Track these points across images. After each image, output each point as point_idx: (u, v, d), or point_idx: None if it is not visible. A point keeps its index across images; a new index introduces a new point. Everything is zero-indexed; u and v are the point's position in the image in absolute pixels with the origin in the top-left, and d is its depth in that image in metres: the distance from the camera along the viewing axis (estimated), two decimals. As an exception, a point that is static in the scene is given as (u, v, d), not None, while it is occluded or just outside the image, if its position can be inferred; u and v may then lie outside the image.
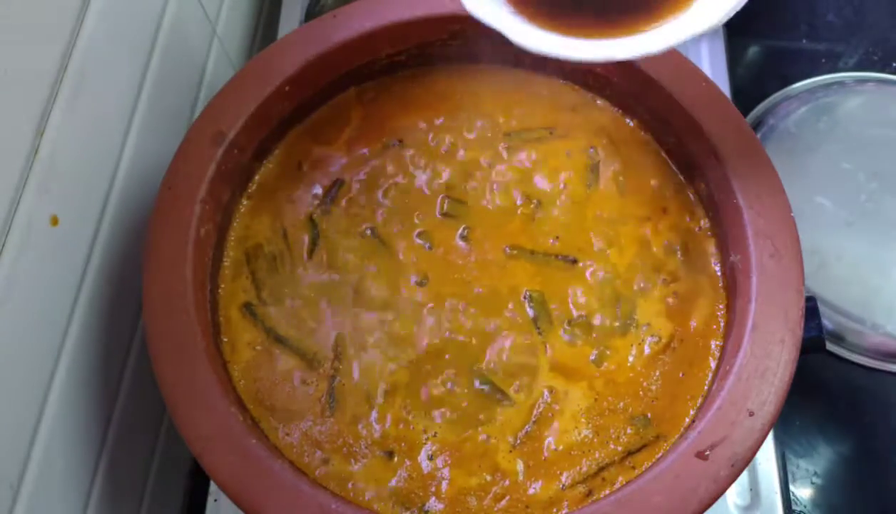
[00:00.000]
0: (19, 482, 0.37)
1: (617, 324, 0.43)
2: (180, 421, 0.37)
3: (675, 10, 0.36)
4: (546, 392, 0.41)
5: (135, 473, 0.49)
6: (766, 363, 0.38)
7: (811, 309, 0.43)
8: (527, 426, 0.40)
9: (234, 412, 0.37)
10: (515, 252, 0.44)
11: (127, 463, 0.47)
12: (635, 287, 0.44)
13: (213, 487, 0.49)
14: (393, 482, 0.39)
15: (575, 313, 0.43)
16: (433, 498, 0.39)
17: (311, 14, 0.62)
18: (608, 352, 0.42)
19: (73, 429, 0.42)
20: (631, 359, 0.42)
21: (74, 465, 0.42)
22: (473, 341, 0.42)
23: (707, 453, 0.36)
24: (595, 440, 0.40)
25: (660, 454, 0.39)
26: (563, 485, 0.39)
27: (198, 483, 0.55)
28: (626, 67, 0.45)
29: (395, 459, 0.40)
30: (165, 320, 0.39)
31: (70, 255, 0.41)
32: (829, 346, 0.57)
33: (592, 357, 0.42)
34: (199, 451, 0.36)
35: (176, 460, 0.54)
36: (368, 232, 0.45)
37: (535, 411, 0.41)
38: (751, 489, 0.49)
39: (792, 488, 0.54)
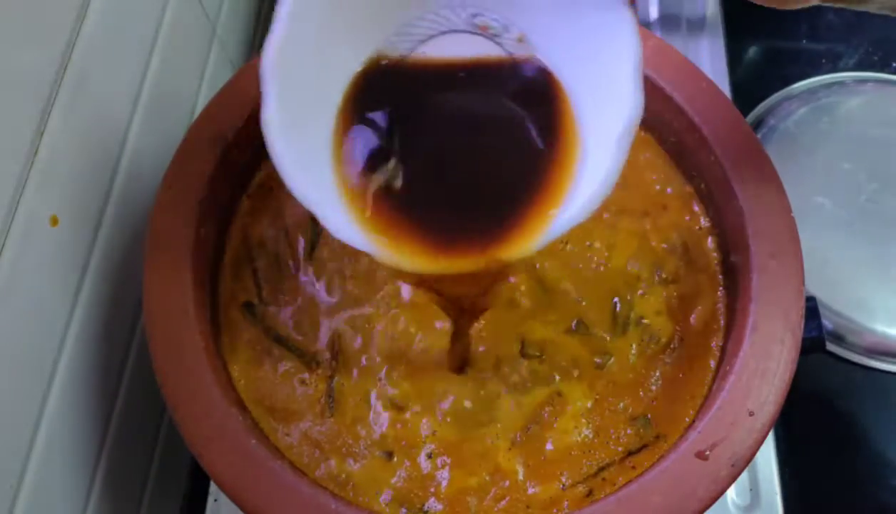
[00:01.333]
0: (19, 481, 0.37)
1: (617, 323, 0.43)
2: (180, 421, 0.37)
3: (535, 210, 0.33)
4: (548, 392, 0.41)
5: (135, 473, 0.49)
6: (766, 363, 0.38)
7: (811, 309, 0.43)
8: (529, 426, 0.40)
9: (234, 412, 0.37)
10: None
11: (127, 463, 0.47)
12: (635, 286, 0.44)
13: (213, 487, 0.49)
14: (392, 482, 0.39)
15: (575, 312, 0.43)
16: (432, 499, 0.39)
17: (311, 14, 0.62)
18: (608, 351, 0.42)
19: (73, 429, 0.41)
20: (631, 359, 0.42)
21: (74, 465, 0.42)
22: (475, 339, 0.42)
23: (707, 453, 0.36)
24: (595, 440, 0.40)
25: (660, 455, 0.39)
26: (564, 485, 0.39)
27: (198, 483, 0.55)
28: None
29: (395, 459, 0.40)
30: (165, 320, 0.39)
31: (70, 255, 0.41)
32: (829, 346, 0.57)
33: (594, 357, 0.42)
34: (199, 451, 0.36)
35: (176, 460, 0.54)
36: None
37: (537, 411, 0.41)
38: (751, 489, 0.49)
39: (792, 488, 0.54)
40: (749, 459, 0.36)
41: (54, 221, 0.39)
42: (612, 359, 0.42)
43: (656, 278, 0.44)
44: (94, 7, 0.41)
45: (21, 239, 0.36)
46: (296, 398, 0.41)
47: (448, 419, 0.40)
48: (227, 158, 0.43)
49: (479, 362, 0.42)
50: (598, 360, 0.42)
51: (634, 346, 0.42)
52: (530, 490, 0.39)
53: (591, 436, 0.40)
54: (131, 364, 0.47)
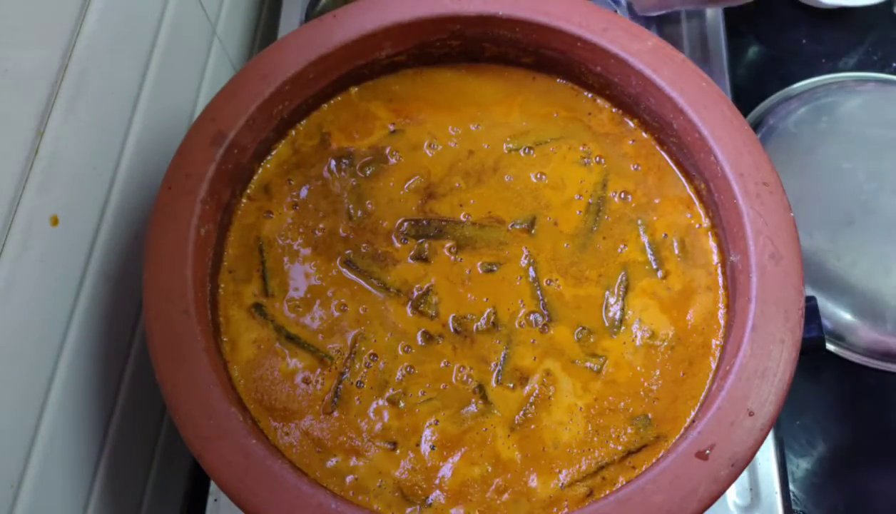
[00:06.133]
0: (19, 482, 0.37)
1: (615, 321, 0.43)
2: (180, 421, 0.37)
3: None
4: (540, 375, 0.41)
5: (135, 473, 0.49)
6: (766, 363, 0.38)
7: (811, 309, 0.43)
8: (524, 408, 0.40)
9: (234, 412, 0.37)
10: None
11: (127, 463, 0.47)
12: (634, 285, 0.44)
13: (213, 487, 0.49)
14: (396, 475, 0.39)
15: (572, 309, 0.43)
16: (437, 491, 0.39)
17: (310, 14, 0.62)
18: (605, 350, 0.42)
19: (73, 429, 0.42)
20: (630, 358, 0.42)
21: (74, 465, 0.42)
22: (476, 327, 0.42)
23: (707, 453, 0.36)
24: (595, 439, 0.40)
25: (660, 454, 0.39)
26: (563, 484, 0.39)
27: (198, 483, 0.55)
28: (625, 68, 0.45)
29: (399, 451, 0.40)
30: (165, 320, 0.39)
31: (70, 255, 0.41)
32: (829, 346, 0.57)
33: (590, 357, 0.42)
34: (199, 451, 0.36)
35: (176, 460, 0.54)
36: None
37: (531, 394, 0.41)
38: (751, 489, 0.49)
39: (792, 488, 0.54)
40: (749, 459, 0.36)
41: (54, 221, 0.39)
42: (610, 357, 0.42)
43: (655, 276, 0.44)
44: (94, 7, 0.41)
45: (21, 239, 0.36)
46: (296, 398, 0.41)
47: (446, 407, 0.41)
48: (227, 158, 0.43)
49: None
50: (594, 358, 0.42)
51: (633, 344, 0.42)
52: (530, 484, 0.39)
53: (591, 435, 0.40)
54: (131, 364, 0.47)
